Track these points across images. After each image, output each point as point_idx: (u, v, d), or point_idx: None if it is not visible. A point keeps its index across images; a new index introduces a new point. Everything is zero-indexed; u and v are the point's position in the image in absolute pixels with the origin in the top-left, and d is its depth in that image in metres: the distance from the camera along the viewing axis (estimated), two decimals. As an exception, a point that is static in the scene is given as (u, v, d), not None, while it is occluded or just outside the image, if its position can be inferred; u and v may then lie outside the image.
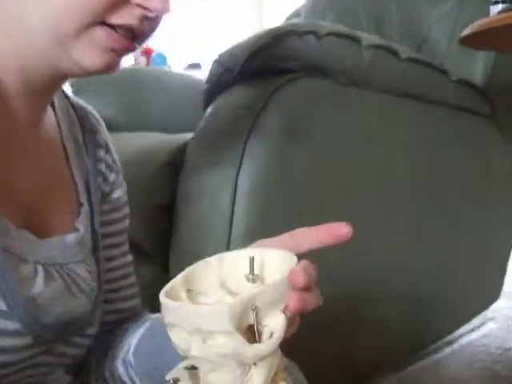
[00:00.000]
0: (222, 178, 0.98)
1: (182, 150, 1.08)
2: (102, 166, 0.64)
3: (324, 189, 1.11)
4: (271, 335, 0.42)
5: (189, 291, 0.46)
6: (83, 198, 0.60)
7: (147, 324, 0.62)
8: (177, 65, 3.38)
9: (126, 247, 0.70)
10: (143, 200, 1.14)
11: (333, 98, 1.12)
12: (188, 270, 0.48)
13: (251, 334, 0.42)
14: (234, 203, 0.95)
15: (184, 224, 1.05)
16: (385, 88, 1.19)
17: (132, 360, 0.60)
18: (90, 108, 0.66)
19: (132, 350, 0.60)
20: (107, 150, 0.66)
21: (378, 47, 1.14)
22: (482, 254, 1.57)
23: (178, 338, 0.43)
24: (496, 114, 1.48)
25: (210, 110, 1.04)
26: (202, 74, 1.43)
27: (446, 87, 1.33)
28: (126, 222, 0.70)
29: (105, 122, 0.68)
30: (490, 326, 1.67)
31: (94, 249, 0.61)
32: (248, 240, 0.52)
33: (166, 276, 1.18)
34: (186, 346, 0.43)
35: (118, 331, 0.65)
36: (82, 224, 0.59)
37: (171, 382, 0.44)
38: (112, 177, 0.66)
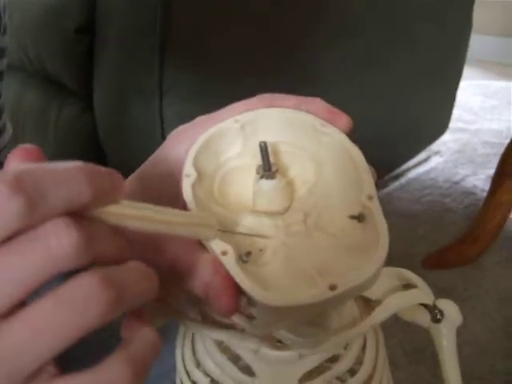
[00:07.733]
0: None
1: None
2: None
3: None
4: None
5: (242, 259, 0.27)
6: None
7: None
8: None
9: None
10: (56, 25, 0.96)
11: None
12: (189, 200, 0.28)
13: None
14: (167, 17, 0.78)
15: (106, 48, 0.88)
16: None
17: None
18: None
19: None
20: None
21: None
22: (434, 84, 1.48)
23: None
24: None
25: None
26: None
27: None
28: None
29: None
30: (437, 160, 1.63)
31: None
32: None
33: (91, 114, 1.03)
34: None
35: None
36: None
37: None
38: None
